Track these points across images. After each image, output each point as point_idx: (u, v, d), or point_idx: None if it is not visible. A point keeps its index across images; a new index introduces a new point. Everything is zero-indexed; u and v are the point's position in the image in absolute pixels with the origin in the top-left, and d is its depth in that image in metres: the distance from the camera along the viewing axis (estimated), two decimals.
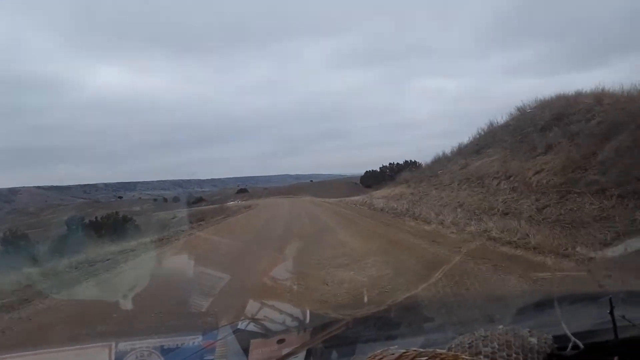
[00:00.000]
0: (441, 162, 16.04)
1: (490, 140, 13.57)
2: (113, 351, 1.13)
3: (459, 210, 9.74)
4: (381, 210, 14.37)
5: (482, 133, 14.82)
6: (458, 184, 12.12)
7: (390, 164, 43.27)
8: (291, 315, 1.36)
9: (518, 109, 13.38)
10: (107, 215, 18.84)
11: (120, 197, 75.62)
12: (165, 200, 62.50)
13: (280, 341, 1.21)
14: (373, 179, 43.87)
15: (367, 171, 47.26)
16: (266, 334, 1.31)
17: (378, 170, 46.83)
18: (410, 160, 42.82)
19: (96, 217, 18.97)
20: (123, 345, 1.14)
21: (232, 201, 44.86)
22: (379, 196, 18.37)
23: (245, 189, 66.28)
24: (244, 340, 1.24)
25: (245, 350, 1.23)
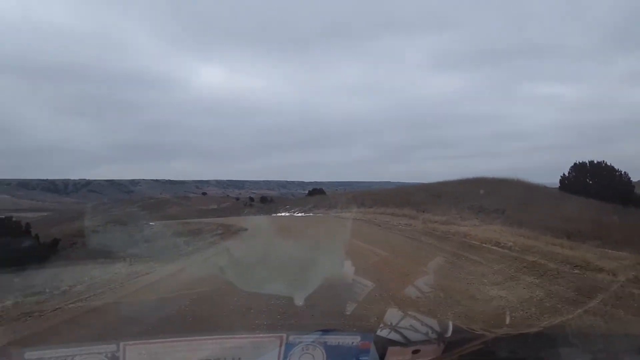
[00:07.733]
0: None
1: None
2: (284, 342, 1.36)
3: None
4: None
5: None
6: None
7: None
8: (431, 327, 1.45)
9: None
10: None
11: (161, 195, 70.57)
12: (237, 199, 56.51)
13: (416, 351, 1.31)
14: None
15: (576, 163, 23.05)
16: (404, 342, 1.42)
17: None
18: None
19: None
20: (293, 338, 1.36)
21: (283, 211, 28.65)
22: None
23: (322, 190, 44.88)
24: (383, 347, 1.37)
25: (382, 357, 1.35)
